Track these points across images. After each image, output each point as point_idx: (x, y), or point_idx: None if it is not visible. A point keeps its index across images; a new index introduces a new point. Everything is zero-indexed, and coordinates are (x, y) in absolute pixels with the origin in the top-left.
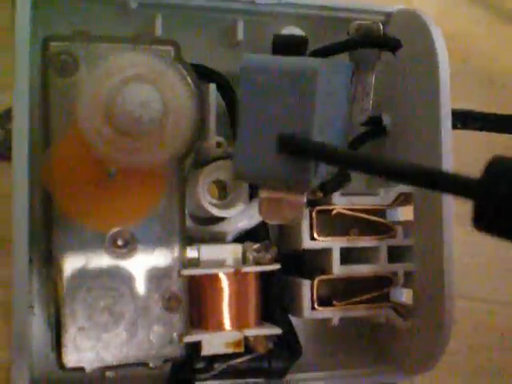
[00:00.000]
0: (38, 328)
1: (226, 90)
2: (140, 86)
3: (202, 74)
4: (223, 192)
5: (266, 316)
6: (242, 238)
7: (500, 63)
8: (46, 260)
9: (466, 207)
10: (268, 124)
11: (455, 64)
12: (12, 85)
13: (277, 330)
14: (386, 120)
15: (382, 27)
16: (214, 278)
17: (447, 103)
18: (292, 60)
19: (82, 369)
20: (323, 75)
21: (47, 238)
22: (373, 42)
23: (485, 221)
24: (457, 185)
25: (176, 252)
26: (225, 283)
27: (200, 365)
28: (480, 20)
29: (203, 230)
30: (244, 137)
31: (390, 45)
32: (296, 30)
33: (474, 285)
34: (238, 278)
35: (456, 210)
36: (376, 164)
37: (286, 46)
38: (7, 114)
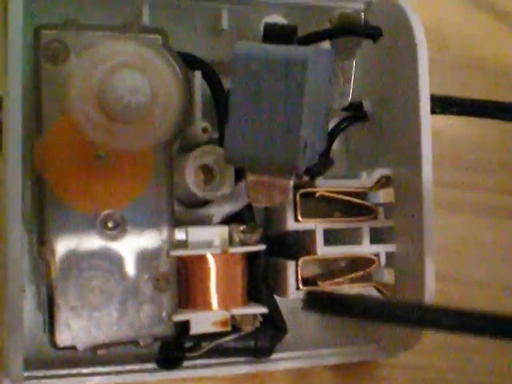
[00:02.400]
0: (28, 309)
1: (211, 77)
2: (129, 73)
3: (188, 62)
4: (209, 176)
5: (252, 297)
6: (228, 221)
7: (477, 51)
8: (38, 242)
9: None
10: (258, 109)
11: (432, 52)
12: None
13: (263, 309)
14: (367, 105)
15: (363, 16)
16: (202, 259)
17: (426, 90)
18: (284, 48)
19: (74, 348)
20: (312, 63)
21: (40, 221)
22: (354, 30)
23: None
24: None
25: (165, 234)
26: (212, 264)
27: (188, 344)
28: (458, 8)
29: (190, 213)
30: (235, 122)
31: (371, 33)
32: (279, 19)
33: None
34: (224, 258)
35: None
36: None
37: (277, 35)
38: None
